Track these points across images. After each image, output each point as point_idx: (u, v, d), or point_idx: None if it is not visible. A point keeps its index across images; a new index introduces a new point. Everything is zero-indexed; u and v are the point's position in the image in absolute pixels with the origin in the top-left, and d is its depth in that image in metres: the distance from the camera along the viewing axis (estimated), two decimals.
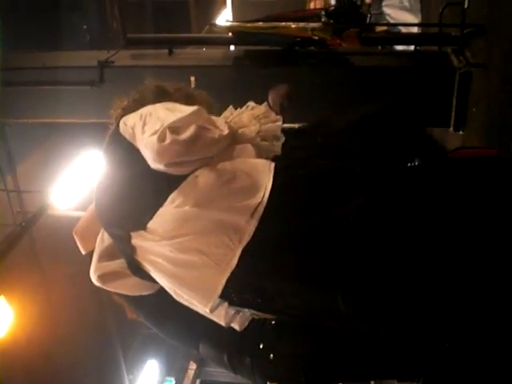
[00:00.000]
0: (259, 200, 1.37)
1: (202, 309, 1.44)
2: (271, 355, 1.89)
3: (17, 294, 4.88)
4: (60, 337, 5.58)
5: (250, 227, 1.35)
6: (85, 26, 6.52)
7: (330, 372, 1.90)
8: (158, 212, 1.43)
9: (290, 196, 1.40)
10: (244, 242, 1.35)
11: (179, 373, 9.39)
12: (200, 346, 1.96)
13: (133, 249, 1.50)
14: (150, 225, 1.44)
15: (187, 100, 1.77)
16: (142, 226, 1.45)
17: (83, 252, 1.80)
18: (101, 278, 1.67)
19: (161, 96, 1.77)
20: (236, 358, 1.93)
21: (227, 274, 1.36)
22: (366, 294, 1.30)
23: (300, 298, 1.37)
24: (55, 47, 5.86)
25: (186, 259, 1.39)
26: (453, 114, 3.41)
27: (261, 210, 1.36)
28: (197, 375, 9.78)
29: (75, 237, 1.83)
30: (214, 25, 3.86)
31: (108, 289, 1.70)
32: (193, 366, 9.66)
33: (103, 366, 7.04)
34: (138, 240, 1.48)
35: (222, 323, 1.48)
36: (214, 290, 1.39)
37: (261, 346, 1.90)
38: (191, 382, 9.64)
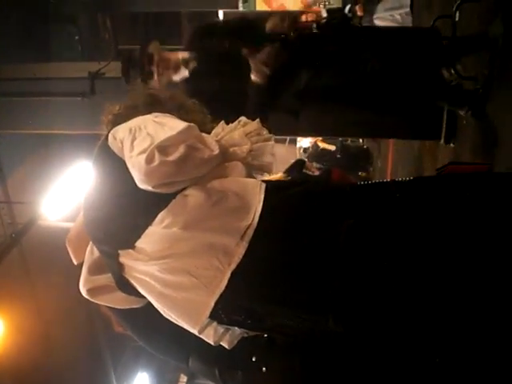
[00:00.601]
0: (249, 222, 1.35)
1: (191, 329, 1.42)
2: (264, 368, 1.88)
3: (7, 304, 4.86)
4: (50, 348, 5.55)
5: (240, 250, 1.34)
6: (77, 37, 6.52)
7: None
8: (147, 231, 1.41)
9: (280, 218, 1.39)
10: (233, 265, 1.33)
11: None
12: (190, 360, 1.96)
13: (121, 266, 1.48)
14: (138, 244, 1.42)
15: (180, 110, 1.75)
16: (129, 244, 1.43)
17: (75, 262, 1.78)
18: (90, 291, 1.65)
19: (153, 105, 1.74)
20: (227, 373, 1.93)
21: (216, 297, 1.35)
22: (357, 314, 1.30)
23: (290, 319, 1.36)
24: (47, 58, 5.86)
25: (175, 280, 1.38)
26: (443, 126, 3.42)
27: (251, 232, 1.35)
28: None
29: (68, 246, 1.80)
30: None
31: (97, 302, 1.69)
32: (183, 379, 9.60)
33: (93, 378, 6.99)
34: (125, 258, 1.46)
35: (211, 342, 1.46)
36: (202, 313, 1.38)
37: (253, 359, 1.89)
38: None
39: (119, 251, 1.46)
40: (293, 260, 1.33)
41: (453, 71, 3.32)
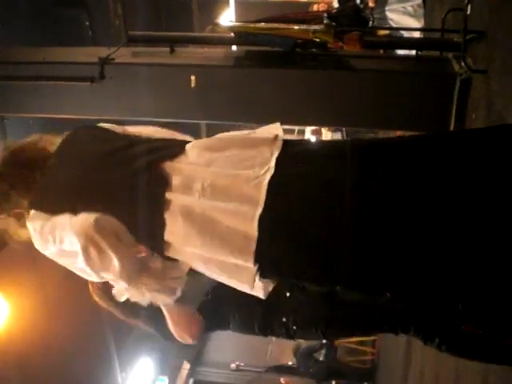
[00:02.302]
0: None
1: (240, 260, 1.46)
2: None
3: (12, 288, 4.88)
4: (54, 332, 5.57)
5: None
6: (87, 23, 6.50)
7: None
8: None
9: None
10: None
11: (172, 372, 9.37)
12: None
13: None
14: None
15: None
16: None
17: None
18: None
19: None
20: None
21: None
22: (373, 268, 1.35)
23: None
24: (56, 43, 5.85)
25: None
26: (452, 120, 3.41)
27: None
28: (190, 375, 9.76)
29: None
30: (217, 24, 3.86)
31: None
32: (186, 366, 9.64)
33: (96, 362, 7.03)
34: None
35: (262, 296, 1.52)
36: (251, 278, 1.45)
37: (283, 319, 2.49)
38: (184, 381, 9.62)
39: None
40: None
41: (463, 64, 3.31)
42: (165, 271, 1.67)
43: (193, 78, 3.37)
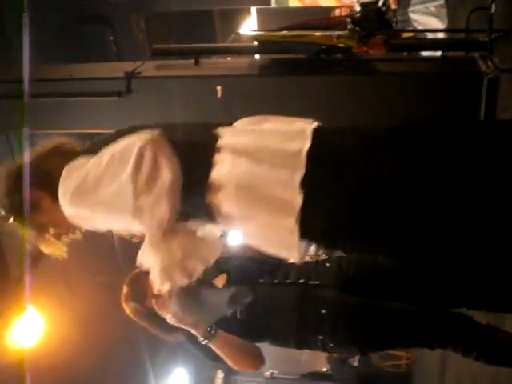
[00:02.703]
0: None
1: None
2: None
3: (46, 304, 4.94)
4: (87, 346, 5.63)
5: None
6: (111, 38, 6.59)
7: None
8: None
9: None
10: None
11: (207, 382, 9.39)
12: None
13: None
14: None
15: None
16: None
17: None
18: None
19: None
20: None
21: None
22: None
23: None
24: (82, 59, 5.93)
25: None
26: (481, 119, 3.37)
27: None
28: None
29: None
30: (239, 34, 3.88)
31: None
32: (220, 375, 9.65)
33: (130, 374, 7.07)
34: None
35: (297, 260, 1.60)
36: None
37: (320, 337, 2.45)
38: None
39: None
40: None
41: (490, 63, 3.27)
42: (197, 243, 1.72)
43: (219, 88, 3.39)
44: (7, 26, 3.81)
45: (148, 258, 1.67)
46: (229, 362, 2.52)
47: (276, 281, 2.60)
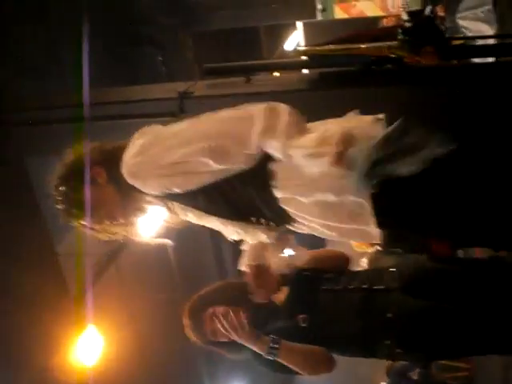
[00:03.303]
0: None
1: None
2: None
3: (105, 322, 5.01)
4: (146, 364, 5.68)
5: None
6: (160, 58, 6.70)
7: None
8: None
9: None
10: None
11: None
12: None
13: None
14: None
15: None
16: None
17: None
18: None
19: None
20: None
21: None
22: None
23: None
24: (132, 80, 6.04)
25: None
26: None
27: None
28: None
29: None
30: (286, 50, 3.89)
31: None
32: None
33: None
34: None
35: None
36: None
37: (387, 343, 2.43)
38: None
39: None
40: None
41: None
42: None
43: None
44: (62, 51, 3.92)
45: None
46: (299, 371, 2.52)
47: (339, 287, 2.57)
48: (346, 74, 3.53)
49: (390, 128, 1.69)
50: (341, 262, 2.78)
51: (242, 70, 3.69)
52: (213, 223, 2.05)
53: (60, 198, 2.01)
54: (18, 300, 4.16)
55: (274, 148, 1.84)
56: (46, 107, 3.99)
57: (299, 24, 7.20)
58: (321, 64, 3.60)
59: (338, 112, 3.50)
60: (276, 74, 4.33)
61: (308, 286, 2.59)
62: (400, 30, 3.33)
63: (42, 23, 3.80)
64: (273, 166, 1.87)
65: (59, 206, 2.03)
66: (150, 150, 1.86)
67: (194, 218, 2.05)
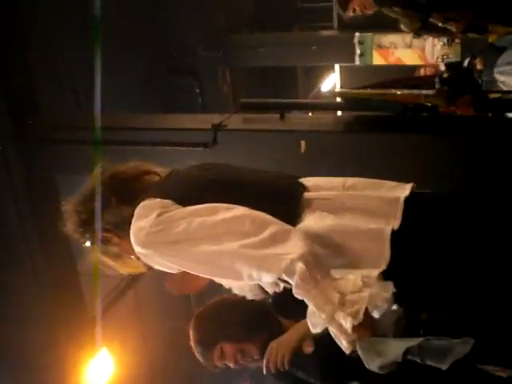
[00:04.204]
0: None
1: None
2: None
3: (118, 345, 5.00)
4: None
5: None
6: (197, 90, 6.80)
7: None
8: None
9: None
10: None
11: None
12: None
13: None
14: None
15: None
16: None
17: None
18: None
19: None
20: None
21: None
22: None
23: None
24: (169, 108, 6.13)
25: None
26: None
27: None
28: None
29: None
30: (323, 91, 3.92)
31: None
32: None
33: None
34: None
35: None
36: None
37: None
38: None
39: None
40: None
41: None
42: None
43: (303, 143, 3.42)
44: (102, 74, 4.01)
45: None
46: None
47: None
48: (381, 119, 3.54)
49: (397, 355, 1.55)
50: None
51: (277, 107, 3.72)
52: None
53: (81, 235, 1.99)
54: (35, 318, 4.18)
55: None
56: (78, 127, 4.05)
57: (337, 67, 7.27)
58: (356, 107, 3.62)
59: (369, 155, 3.54)
60: (310, 114, 4.37)
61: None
62: (437, 80, 3.33)
63: (84, 48, 3.88)
64: None
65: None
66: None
67: None
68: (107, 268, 2.04)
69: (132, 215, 1.76)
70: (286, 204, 1.72)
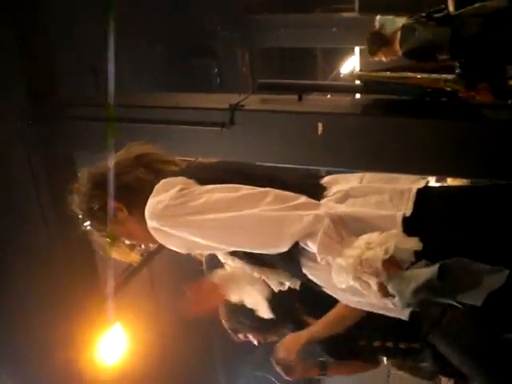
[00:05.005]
0: None
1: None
2: None
3: (131, 321, 5.04)
4: (169, 364, 5.70)
5: None
6: (216, 70, 6.79)
7: None
8: None
9: None
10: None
11: None
12: None
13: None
14: None
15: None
16: None
17: None
18: None
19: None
20: None
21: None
22: None
23: None
24: (187, 88, 6.13)
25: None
26: None
27: None
28: None
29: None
30: (342, 73, 3.90)
31: None
32: None
33: None
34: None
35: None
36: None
37: None
38: None
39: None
40: None
41: None
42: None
43: (320, 125, 3.41)
44: (121, 54, 4.02)
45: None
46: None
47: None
48: (399, 102, 3.52)
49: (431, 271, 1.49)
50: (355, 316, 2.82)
51: (296, 88, 3.71)
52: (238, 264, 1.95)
53: (84, 213, 1.98)
54: (48, 293, 4.22)
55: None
56: (96, 105, 4.07)
57: (357, 49, 7.21)
58: (375, 90, 3.59)
59: (386, 138, 3.52)
60: (329, 96, 4.35)
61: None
62: (458, 65, 3.30)
63: (104, 26, 3.88)
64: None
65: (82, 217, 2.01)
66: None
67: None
68: (101, 249, 2.04)
69: (151, 190, 1.75)
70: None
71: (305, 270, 1.65)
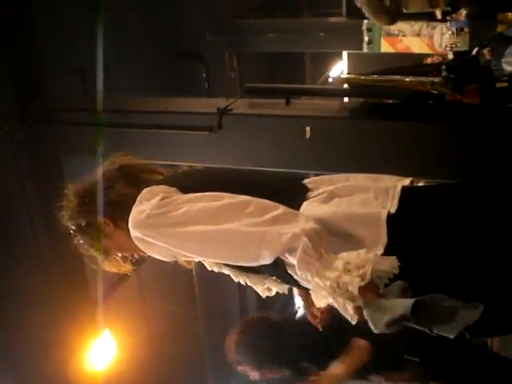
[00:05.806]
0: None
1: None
2: None
3: (120, 327, 5.03)
4: (158, 370, 5.69)
5: None
6: (204, 75, 6.78)
7: None
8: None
9: None
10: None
11: None
12: None
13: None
14: None
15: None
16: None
17: None
18: None
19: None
20: None
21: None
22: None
23: None
24: (174, 93, 6.12)
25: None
26: None
27: None
28: None
29: None
30: (331, 77, 3.90)
31: None
32: None
33: None
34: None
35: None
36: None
37: None
38: None
39: None
40: None
41: None
42: None
43: (308, 128, 3.41)
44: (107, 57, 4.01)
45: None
46: None
47: None
48: (387, 105, 3.53)
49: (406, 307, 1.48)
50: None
51: (283, 92, 3.71)
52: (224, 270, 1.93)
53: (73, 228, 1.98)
54: (37, 299, 4.20)
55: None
56: (83, 110, 4.06)
57: (345, 54, 7.23)
58: (362, 94, 3.61)
59: (374, 141, 3.53)
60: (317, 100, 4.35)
61: None
62: (444, 67, 3.32)
63: (92, 29, 3.88)
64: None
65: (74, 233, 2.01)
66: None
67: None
68: (93, 263, 2.04)
69: (134, 202, 1.75)
70: (288, 202, 1.68)
71: (290, 271, 1.65)
